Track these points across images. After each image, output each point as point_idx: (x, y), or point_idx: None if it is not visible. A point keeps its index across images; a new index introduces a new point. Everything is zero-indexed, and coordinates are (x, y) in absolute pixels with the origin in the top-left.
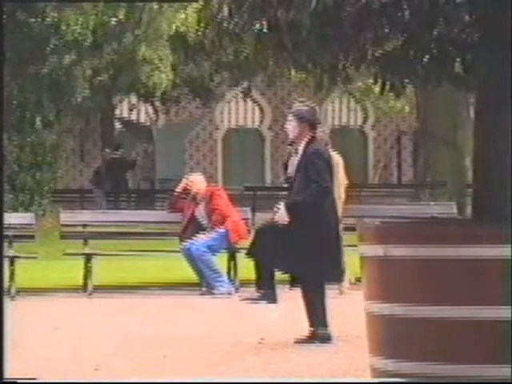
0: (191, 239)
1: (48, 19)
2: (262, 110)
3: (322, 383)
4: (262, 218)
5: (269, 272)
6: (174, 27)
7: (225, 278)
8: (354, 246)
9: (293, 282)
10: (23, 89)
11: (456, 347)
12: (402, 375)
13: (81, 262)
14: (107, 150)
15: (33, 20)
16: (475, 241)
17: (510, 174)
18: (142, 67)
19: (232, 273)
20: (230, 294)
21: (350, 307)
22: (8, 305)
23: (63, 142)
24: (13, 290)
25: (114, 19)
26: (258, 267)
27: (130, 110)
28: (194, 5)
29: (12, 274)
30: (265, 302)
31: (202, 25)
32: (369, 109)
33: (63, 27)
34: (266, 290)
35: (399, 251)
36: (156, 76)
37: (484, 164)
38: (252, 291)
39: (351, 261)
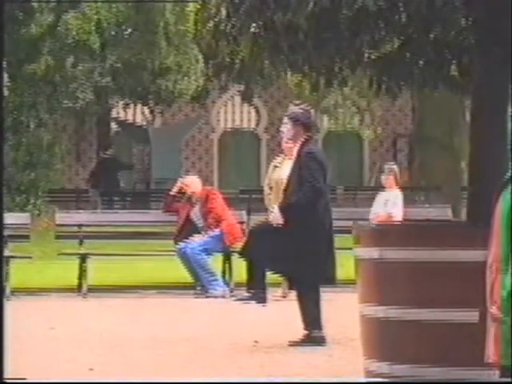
0: (186, 240)
1: (45, 21)
2: (258, 112)
3: (316, 383)
4: (257, 220)
5: (261, 272)
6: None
7: (219, 279)
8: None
9: (290, 284)
10: (18, 89)
11: (450, 350)
12: (395, 378)
13: (76, 262)
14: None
15: (30, 20)
16: (470, 244)
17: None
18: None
19: (227, 275)
20: (224, 295)
21: (345, 309)
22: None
23: (59, 142)
24: (7, 290)
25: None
26: (250, 267)
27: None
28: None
29: (7, 274)
30: (254, 302)
31: (199, 26)
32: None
33: (65, 30)
34: (256, 290)
35: (394, 254)
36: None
37: (479, 167)
38: None
39: (346, 263)
